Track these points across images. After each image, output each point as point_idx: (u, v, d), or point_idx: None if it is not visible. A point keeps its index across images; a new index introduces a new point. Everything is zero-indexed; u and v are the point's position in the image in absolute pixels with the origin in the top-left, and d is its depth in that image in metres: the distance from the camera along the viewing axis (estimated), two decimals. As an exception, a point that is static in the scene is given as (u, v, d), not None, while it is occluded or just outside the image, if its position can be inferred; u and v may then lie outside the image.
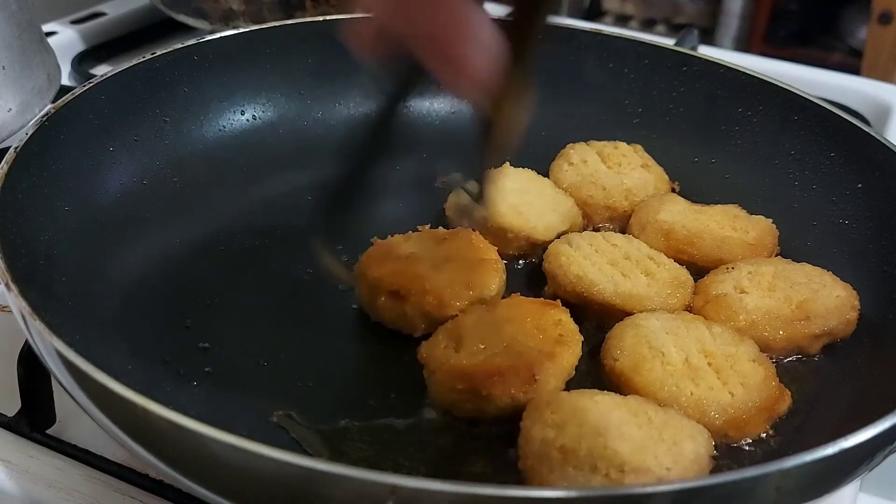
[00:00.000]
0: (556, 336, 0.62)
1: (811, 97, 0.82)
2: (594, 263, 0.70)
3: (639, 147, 0.86)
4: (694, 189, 0.83)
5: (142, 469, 0.59)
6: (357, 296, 0.69)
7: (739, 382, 0.60)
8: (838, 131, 0.79)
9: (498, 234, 0.74)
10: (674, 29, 2.44)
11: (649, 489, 0.43)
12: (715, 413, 0.58)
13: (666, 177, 0.84)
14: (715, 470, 0.55)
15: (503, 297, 0.69)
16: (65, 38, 1.19)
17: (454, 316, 0.65)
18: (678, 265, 0.72)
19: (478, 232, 0.72)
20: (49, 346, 0.49)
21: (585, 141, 0.86)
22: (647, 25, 2.51)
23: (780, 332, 0.66)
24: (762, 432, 0.60)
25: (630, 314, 0.66)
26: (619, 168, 0.83)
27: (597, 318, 0.68)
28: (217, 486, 0.46)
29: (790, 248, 0.76)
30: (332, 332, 0.68)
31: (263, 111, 0.88)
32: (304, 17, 1.02)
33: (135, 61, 0.80)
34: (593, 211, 0.80)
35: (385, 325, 0.67)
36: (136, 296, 0.68)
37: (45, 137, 0.68)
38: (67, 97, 0.72)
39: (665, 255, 0.73)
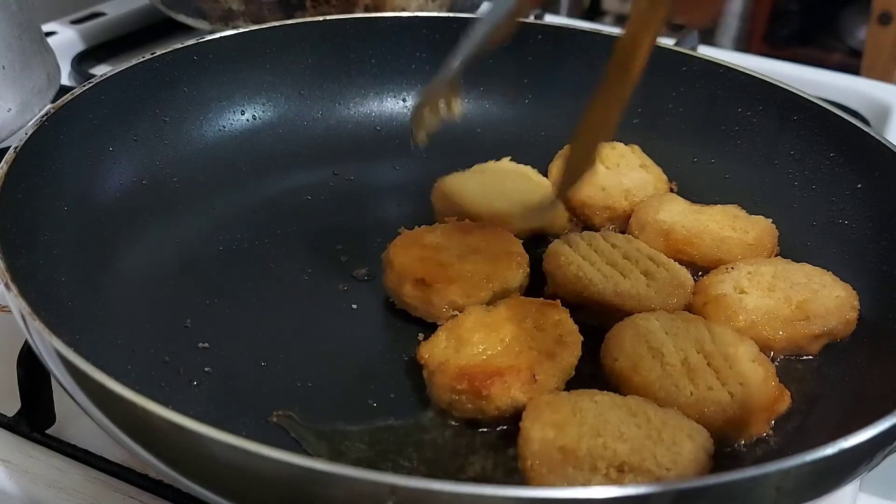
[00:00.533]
0: (556, 336, 0.63)
1: (811, 97, 0.82)
2: (594, 263, 0.70)
3: (636, 147, 0.86)
4: (693, 189, 0.83)
5: (141, 469, 0.59)
6: (383, 282, 0.70)
7: (739, 382, 0.60)
8: (838, 131, 0.79)
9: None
10: (674, 29, 2.43)
11: (649, 489, 0.43)
12: (714, 413, 0.58)
13: (664, 177, 0.84)
14: (714, 470, 0.55)
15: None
16: (64, 38, 1.19)
17: (479, 304, 0.66)
18: (678, 265, 0.72)
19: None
20: (49, 346, 0.49)
21: (585, 141, 0.86)
22: (647, 25, 2.50)
23: (780, 332, 0.66)
24: (762, 432, 0.60)
25: (629, 314, 0.66)
26: (617, 168, 0.83)
27: (596, 318, 0.68)
28: (217, 486, 0.46)
29: (790, 249, 0.76)
30: (331, 333, 0.68)
31: (263, 111, 0.88)
32: (304, 17, 1.02)
33: (134, 61, 0.80)
34: (592, 211, 0.80)
35: (409, 312, 0.68)
36: (136, 296, 0.68)
37: (44, 137, 0.68)
38: (67, 97, 0.72)
39: (664, 255, 0.73)
